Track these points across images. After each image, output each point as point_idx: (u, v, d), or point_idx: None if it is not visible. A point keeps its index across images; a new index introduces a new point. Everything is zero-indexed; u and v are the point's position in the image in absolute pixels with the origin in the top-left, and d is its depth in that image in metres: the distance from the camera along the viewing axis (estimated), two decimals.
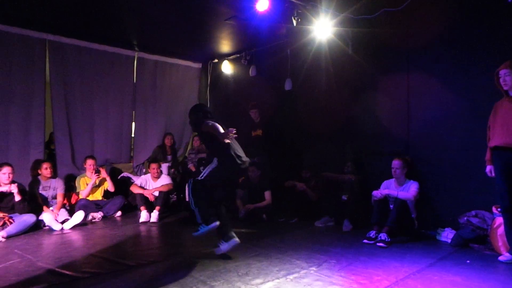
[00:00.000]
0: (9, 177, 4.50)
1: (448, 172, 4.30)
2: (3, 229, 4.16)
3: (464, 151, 4.17)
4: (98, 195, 5.58)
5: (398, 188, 4.28)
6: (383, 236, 3.86)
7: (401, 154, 4.52)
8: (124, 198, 5.67)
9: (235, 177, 3.60)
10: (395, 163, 4.30)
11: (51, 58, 5.94)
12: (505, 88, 3.34)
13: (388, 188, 4.34)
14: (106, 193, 5.68)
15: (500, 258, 3.34)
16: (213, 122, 3.35)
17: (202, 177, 3.39)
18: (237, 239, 3.41)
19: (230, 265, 3.17)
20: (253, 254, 3.46)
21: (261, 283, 2.77)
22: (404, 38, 4.70)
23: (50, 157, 6.20)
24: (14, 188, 4.48)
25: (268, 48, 6.42)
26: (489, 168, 3.51)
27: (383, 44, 4.89)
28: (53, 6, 4.99)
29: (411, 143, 4.68)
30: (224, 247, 3.37)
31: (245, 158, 3.48)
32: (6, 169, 4.48)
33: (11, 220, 4.31)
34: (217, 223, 3.31)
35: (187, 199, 3.44)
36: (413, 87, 4.67)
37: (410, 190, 4.18)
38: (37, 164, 5.30)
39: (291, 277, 2.90)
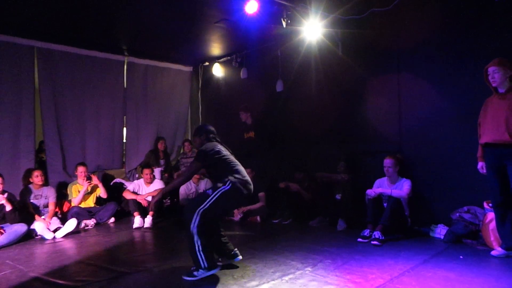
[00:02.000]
0: None
1: (440, 169, 4.34)
2: None
3: (455, 148, 4.21)
4: (90, 202, 5.53)
5: (391, 186, 4.31)
6: (377, 234, 3.88)
7: (393, 152, 4.55)
8: (117, 204, 5.62)
9: (240, 205, 3.23)
10: (387, 161, 4.33)
11: (39, 65, 5.89)
12: (493, 85, 3.39)
13: (381, 187, 4.37)
14: (99, 200, 5.63)
15: (493, 252, 3.38)
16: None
17: (209, 203, 2.94)
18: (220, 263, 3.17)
19: (225, 268, 3.16)
20: (248, 256, 3.45)
21: (257, 285, 2.76)
22: (394, 39, 4.74)
23: (41, 165, 6.13)
24: (4, 198, 4.42)
25: (259, 50, 6.44)
26: (480, 164, 3.55)
27: (373, 44, 4.93)
28: (41, 12, 4.94)
29: (403, 141, 4.72)
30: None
31: (251, 185, 3.17)
32: None
33: (1, 231, 4.24)
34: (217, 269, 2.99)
35: (191, 229, 2.90)
36: (404, 87, 4.71)
37: (403, 188, 4.21)
38: (28, 173, 5.23)
39: (286, 278, 2.90)
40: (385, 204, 4.21)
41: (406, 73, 4.68)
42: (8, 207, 4.43)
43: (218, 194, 2.97)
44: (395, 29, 4.71)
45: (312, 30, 4.98)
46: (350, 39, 5.09)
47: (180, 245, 4.16)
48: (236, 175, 3.10)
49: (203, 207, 2.92)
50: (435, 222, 4.22)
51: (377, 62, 4.97)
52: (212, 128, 3.45)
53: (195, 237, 2.87)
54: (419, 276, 2.89)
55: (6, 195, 4.50)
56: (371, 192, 4.27)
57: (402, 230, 4.15)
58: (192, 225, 2.87)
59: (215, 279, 2.91)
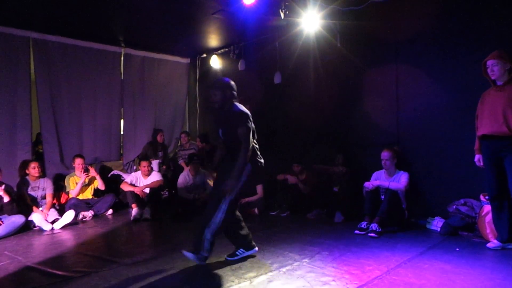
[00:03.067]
0: None
1: (437, 162, 4.36)
2: None
3: (453, 141, 4.22)
4: (88, 194, 5.53)
5: (389, 179, 4.32)
6: (374, 226, 3.90)
7: (391, 145, 4.55)
8: (115, 196, 5.62)
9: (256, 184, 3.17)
10: (385, 154, 4.33)
11: (35, 56, 5.84)
12: (492, 77, 3.38)
13: (379, 179, 4.38)
14: (97, 192, 5.63)
15: (488, 245, 3.41)
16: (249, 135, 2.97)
17: (236, 192, 2.93)
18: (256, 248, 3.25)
19: (223, 259, 3.17)
20: None
21: (254, 277, 2.77)
22: (392, 30, 4.71)
23: (38, 157, 6.11)
24: (1, 190, 4.41)
25: (257, 41, 6.39)
26: (477, 157, 3.55)
27: (371, 36, 4.91)
28: (36, 2, 4.87)
29: (401, 134, 4.73)
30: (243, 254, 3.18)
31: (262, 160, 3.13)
32: None
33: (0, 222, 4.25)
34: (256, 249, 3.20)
35: (217, 220, 2.91)
36: (402, 79, 4.70)
37: (401, 181, 4.22)
38: (25, 164, 5.21)
39: (284, 269, 2.91)
40: (382, 197, 4.23)
41: (404, 65, 4.66)
42: (6, 199, 4.42)
43: (242, 180, 2.96)
44: (393, 20, 4.68)
45: (311, 21, 4.95)
46: (349, 31, 5.06)
47: (177, 236, 4.18)
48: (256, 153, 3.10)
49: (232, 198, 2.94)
50: (431, 215, 4.24)
51: (375, 54, 4.95)
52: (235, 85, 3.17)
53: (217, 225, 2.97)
54: (415, 267, 2.92)
55: (3, 186, 4.49)
56: (368, 185, 4.28)
57: (399, 223, 4.17)
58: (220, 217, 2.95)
59: (212, 270, 2.92)
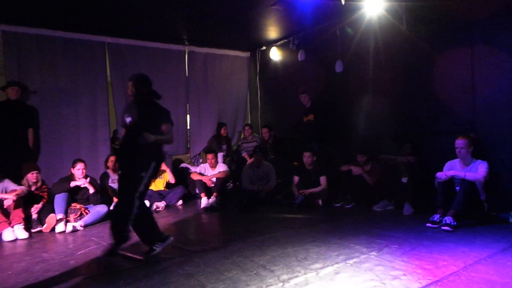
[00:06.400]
0: (82, 172, 4.91)
1: None
2: (80, 219, 4.58)
3: None
4: (160, 186, 5.93)
5: (465, 169, 4.01)
6: (448, 219, 3.66)
7: (466, 131, 4.22)
8: (184, 187, 5.96)
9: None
10: (459, 142, 4.02)
11: (110, 59, 6.35)
12: None
13: (453, 169, 4.08)
14: (168, 184, 6.01)
15: None
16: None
17: (141, 189, 3.15)
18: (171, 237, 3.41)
19: (289, 250, 3.21)
20: (311, 239, 3.47)
21: (321, 268, 2.77)
22: (466, 8, 4.33)
23: (115, 152, 6.66)
24: (87, 182, 4.90)
25: (316, 30, 6.28)
26: None
27: (441, 16, 4.56)
28: (109, 9, 5.30)
29: (477, 119, 4.36)
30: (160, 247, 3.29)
31: None
32: (80, 165, 4.90)
33: (87, 211, 4.73)
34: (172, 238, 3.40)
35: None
36: (478, 61, 4.32)
37: (479, 171, 3.89)
38: (107, 159, 5.74)
39: (350, 261, 2.87)
40: (457, 188, 3.94)
41: (480, 45, 4.27)
42: (91, 190, 4.90)
43: (146, 179, 3.17)
44: None
45: (373, 4, 4.73)
46: (416, 12, 4.75)
47: (244, 226, 4.29)
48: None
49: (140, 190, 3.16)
50: None
51: (446, 35, 4.60)
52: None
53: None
54: (497, 264, 2.69)
55: (88, 179, 4.97)
56: (441, 175, 4.00)
57: (477, 216, 3.87)
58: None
59: (278, 261, 2.98)
